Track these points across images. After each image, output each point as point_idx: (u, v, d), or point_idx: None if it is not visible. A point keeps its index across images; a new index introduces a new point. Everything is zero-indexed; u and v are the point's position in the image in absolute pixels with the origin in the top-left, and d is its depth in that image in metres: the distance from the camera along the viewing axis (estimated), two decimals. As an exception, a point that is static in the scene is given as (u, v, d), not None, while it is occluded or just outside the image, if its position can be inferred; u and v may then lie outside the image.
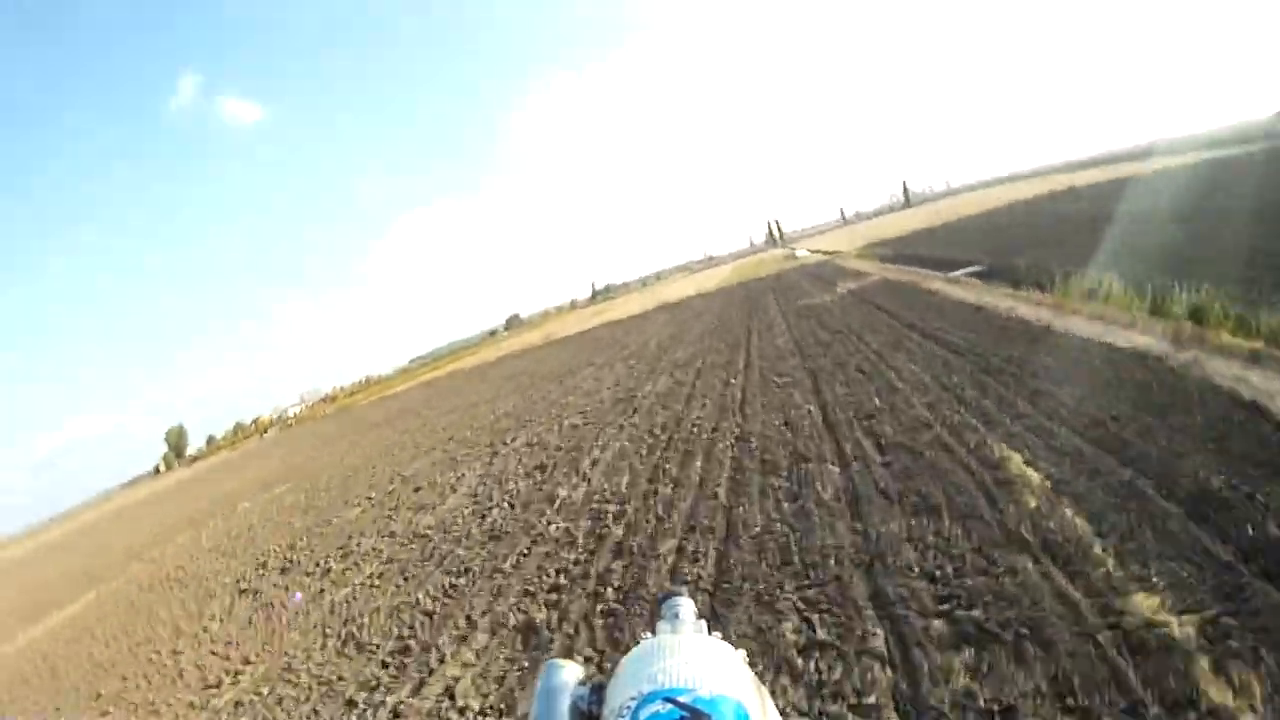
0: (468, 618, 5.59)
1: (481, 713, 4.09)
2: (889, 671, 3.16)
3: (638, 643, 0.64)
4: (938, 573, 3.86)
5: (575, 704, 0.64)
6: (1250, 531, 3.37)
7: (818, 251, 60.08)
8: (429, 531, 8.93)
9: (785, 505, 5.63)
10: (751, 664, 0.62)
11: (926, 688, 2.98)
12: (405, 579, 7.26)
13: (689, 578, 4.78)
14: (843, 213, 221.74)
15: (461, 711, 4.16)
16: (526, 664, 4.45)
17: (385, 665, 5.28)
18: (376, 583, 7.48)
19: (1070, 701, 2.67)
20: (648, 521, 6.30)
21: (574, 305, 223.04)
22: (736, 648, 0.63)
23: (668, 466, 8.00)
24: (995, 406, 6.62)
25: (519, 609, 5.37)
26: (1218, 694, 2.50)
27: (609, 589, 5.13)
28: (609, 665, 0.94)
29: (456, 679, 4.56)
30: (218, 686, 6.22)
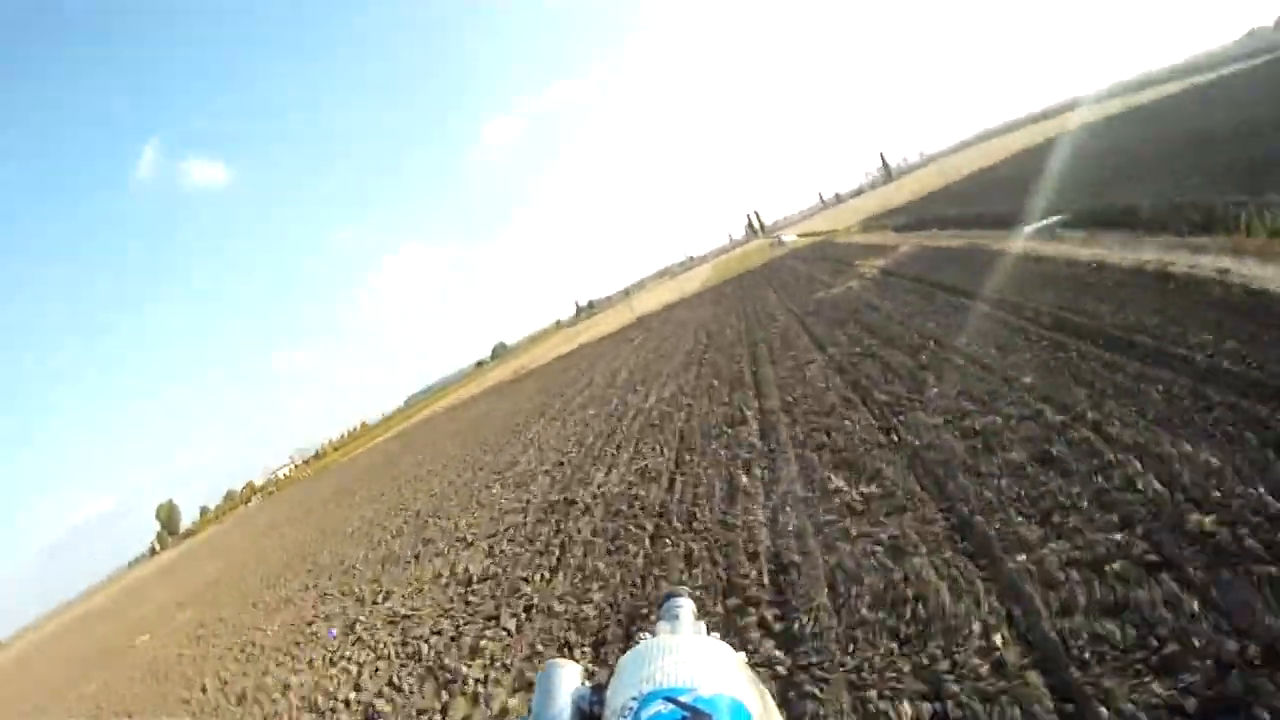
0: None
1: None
2: None
3: (637, 643, 0.62)
4: None
5: (576, 704, 0.61)
6: None
7: (807, 235, 54.09)
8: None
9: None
10: (751, 664, 0.59)
11: None
12: None
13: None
14: (821, 196, 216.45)
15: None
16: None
17: None
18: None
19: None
20: None
21: (559, 325, 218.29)
22: (737, 649, 0.62)
23: None
24: None
25: None
26: None
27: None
28: (609, 665, 0.85)
29: None
30: None
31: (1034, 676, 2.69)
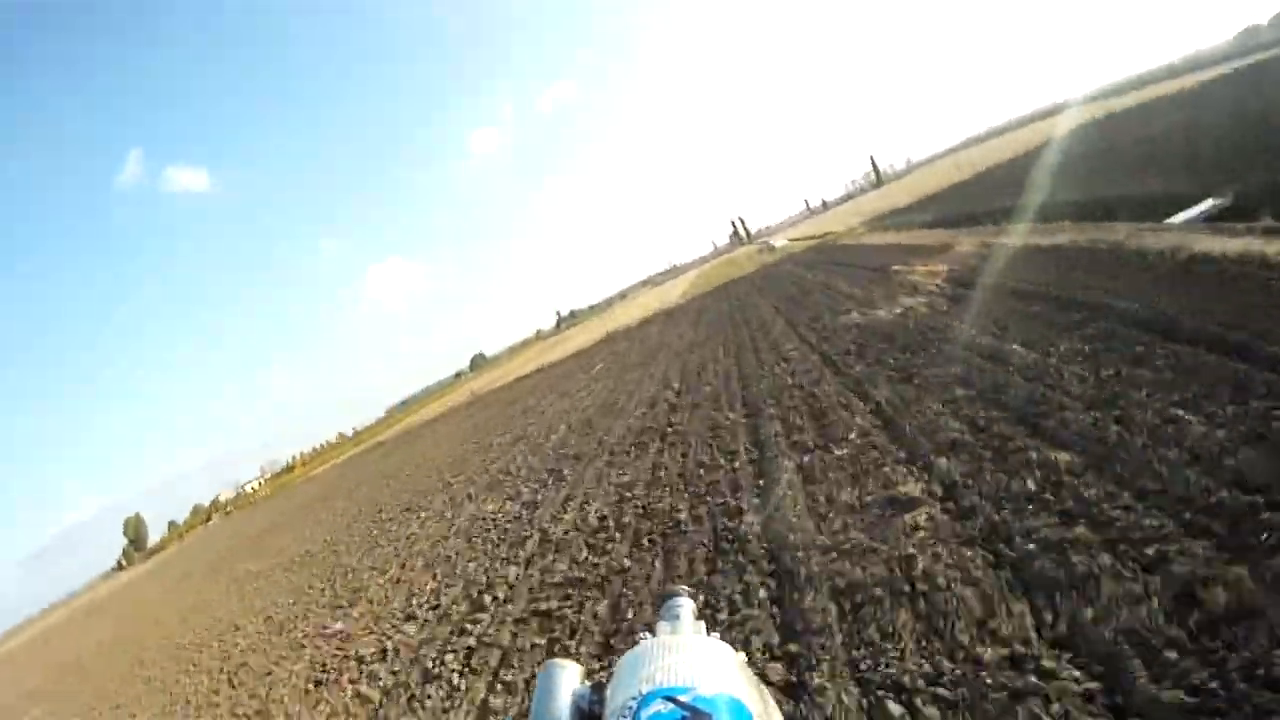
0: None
1: None
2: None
3: (637, 643, 0.62)
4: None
5: (576, 704, 0.62)
6: None
7: (801, 240, 48.24)
8: None
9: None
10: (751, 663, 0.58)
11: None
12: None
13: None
14: (807, 203, 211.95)
15: None
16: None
17: None
18: None
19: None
20: None
21: (539, 335, 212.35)
22: (737, 649, 0.62)
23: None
24: None
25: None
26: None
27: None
28: (610, 665, 0.81)
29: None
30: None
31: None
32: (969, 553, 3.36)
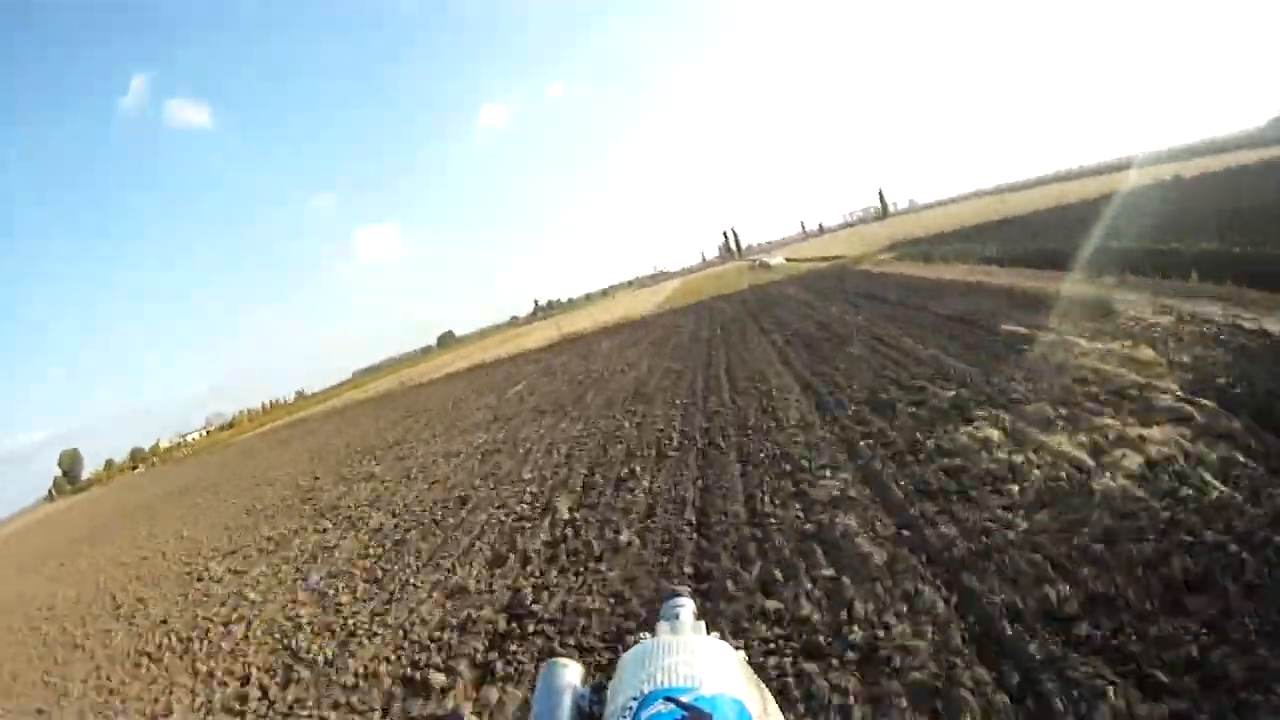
0: None
1: None
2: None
3: (637, 643, 0.62)
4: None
5: (576, 704, 0.61)
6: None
7: (801, 260, 42.37)
8: None
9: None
10: (751, 663, 0.60)
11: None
12: None
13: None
14: (803, 225, 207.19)
15: None
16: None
17: None
18: None
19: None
20: None
21: (514, 321, 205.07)
22: (736, 649, 0.61)
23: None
24: None
25: None
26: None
27: None
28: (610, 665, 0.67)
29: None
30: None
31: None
32: None
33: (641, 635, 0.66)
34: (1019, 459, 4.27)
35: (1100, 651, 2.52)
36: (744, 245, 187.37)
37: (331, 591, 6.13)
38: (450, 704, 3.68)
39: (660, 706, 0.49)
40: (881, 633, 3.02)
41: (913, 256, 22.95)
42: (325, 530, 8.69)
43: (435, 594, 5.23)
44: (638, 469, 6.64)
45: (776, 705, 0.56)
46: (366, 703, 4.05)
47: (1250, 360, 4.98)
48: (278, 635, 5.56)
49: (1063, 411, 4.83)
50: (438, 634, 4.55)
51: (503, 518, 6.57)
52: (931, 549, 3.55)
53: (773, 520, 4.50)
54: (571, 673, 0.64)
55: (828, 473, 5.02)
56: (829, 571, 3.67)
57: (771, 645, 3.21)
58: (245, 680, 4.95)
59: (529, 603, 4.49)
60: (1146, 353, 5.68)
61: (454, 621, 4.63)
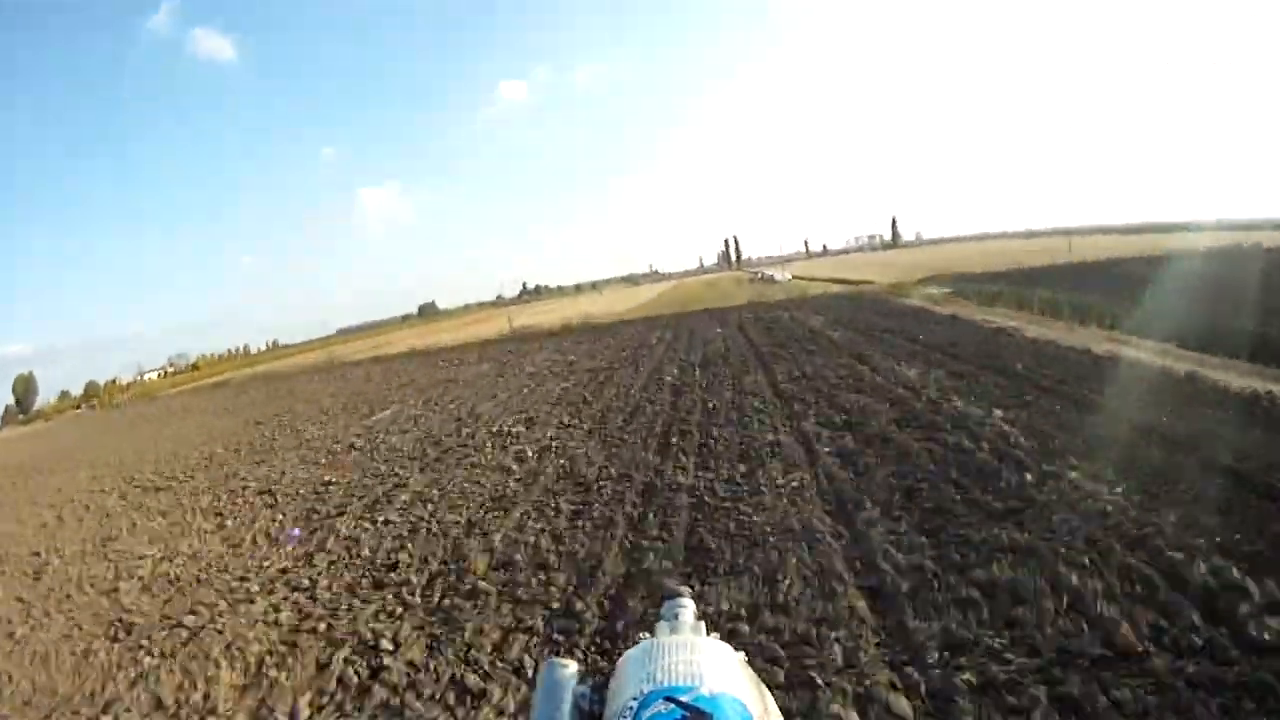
0: None
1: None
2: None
3: (637, 643, 0.62)
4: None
5: (576, 703, 0.61)
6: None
7: (811, 279, 36.25)
8: None
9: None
10: (751, 664, 0.60)
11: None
12: None
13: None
14: (807, 244, 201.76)
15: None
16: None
17: None
18: None
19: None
20: None
21: (498, 300, 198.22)
22: (736, 649, 0.62)
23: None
24: None
25: None
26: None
27: None
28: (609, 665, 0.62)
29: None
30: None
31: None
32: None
33: (642, 635, 0.65)
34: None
35: None
36: (744, 257, 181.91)
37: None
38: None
39: (660, 706, 0.48)
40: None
41: (970, 296, 16.91)
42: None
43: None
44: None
45: (776, 705, 0.55)
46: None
47: None
48: None
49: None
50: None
51: None
52: None
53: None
54: (571, 672, 0.63)
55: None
56: None
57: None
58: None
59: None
60: None
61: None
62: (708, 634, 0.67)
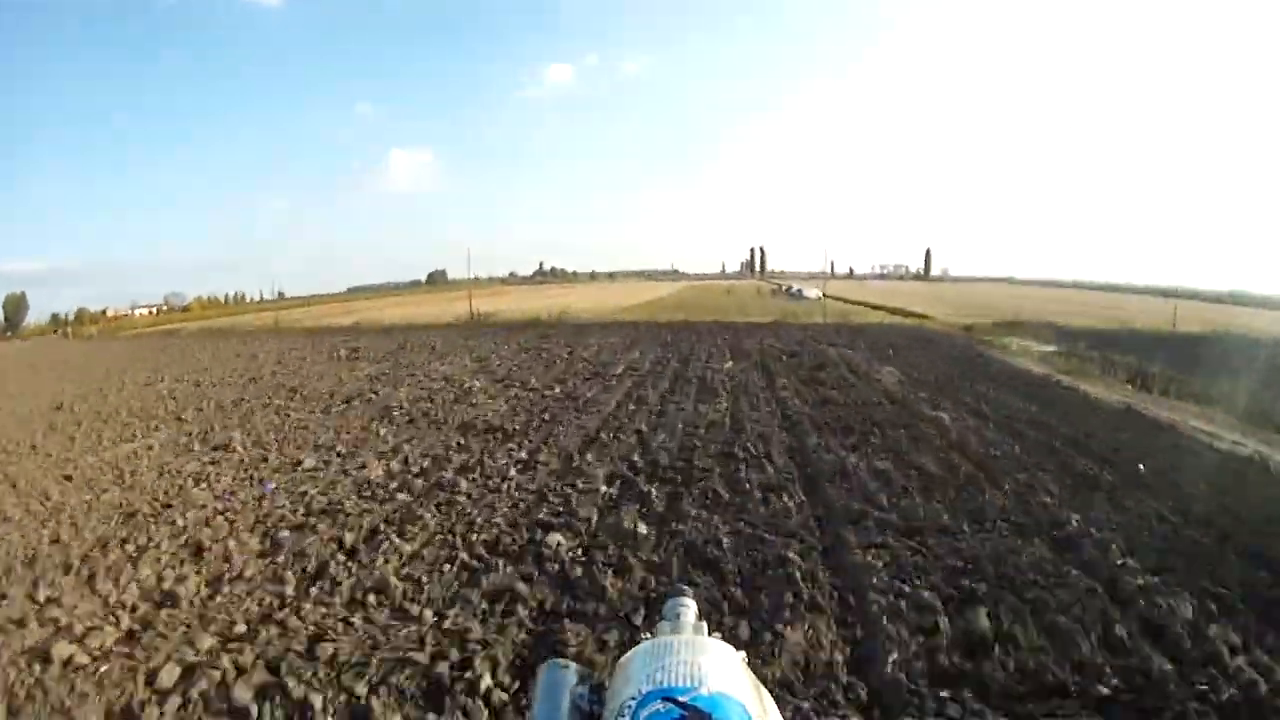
0: None
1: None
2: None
3: (638, 643, 0.61)
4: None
5: (575, 703, 0.61)
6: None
7: (851, 303, 30.57)
8: None
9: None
10: (751, 665, 0.60)
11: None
12: None
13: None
14: (833, 265, 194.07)
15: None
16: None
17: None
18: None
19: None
20: None
21: (510, 278, 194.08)
22: (737, 649, 0.62)
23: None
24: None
25: None
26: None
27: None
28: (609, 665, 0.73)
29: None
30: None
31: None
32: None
33: (643, 635, 0.65)
34: None
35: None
36: (768, 269, 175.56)
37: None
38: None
39: (659, 706, 0.48)
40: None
41: (1080, 357, 11.41)
42: None
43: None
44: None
45: (776, 706, 0.55)
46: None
47: None
48: None
49: None
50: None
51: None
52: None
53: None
54: (570, 672, 0.63)
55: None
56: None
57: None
58: None
59: None
60: None
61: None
62: (709, 634, 0.66)
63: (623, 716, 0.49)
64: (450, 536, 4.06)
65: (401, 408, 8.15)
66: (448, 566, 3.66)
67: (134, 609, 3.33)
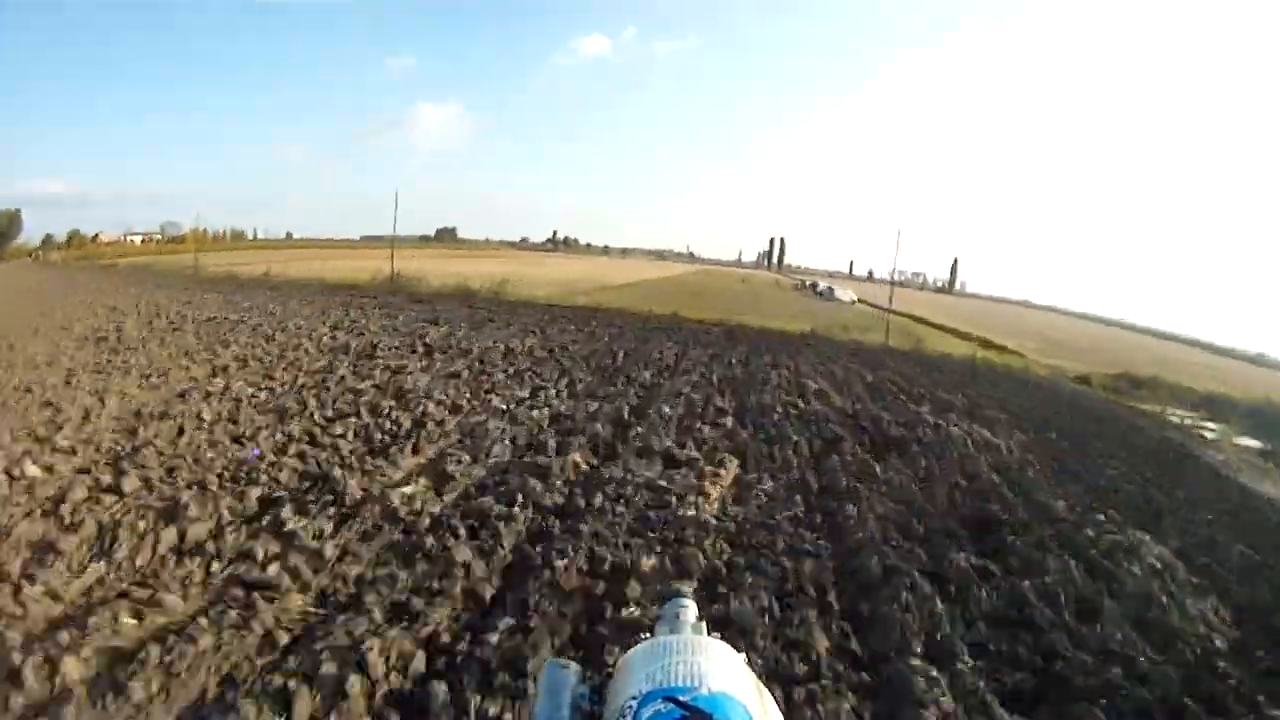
0: None
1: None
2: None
3: (639, 643, 0.61)
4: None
5: (576, 703, 0.61)
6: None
7: (892, 313, 24.33)
8: None
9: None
10: (751, 665, 0.58)
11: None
12: None
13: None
14: (852, 265, 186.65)
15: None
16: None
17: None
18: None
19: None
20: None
21: (522, 244, 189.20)
22: (738, 650, 0.60)
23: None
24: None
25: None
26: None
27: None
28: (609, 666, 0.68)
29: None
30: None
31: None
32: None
33: (643, 635, 0.65)
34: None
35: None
36: (785, 262, 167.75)
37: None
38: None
39: (660, 706, 0.47)
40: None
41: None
42: None
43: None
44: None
45: (775, 705, 0.54)
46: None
47: None
48: None
49: None
50: None
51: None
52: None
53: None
54: (571, 673, 0.63)
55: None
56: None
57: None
58: None
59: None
60: None
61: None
62: (709, 635, 0.65)
63: (624, 716, 0.48)
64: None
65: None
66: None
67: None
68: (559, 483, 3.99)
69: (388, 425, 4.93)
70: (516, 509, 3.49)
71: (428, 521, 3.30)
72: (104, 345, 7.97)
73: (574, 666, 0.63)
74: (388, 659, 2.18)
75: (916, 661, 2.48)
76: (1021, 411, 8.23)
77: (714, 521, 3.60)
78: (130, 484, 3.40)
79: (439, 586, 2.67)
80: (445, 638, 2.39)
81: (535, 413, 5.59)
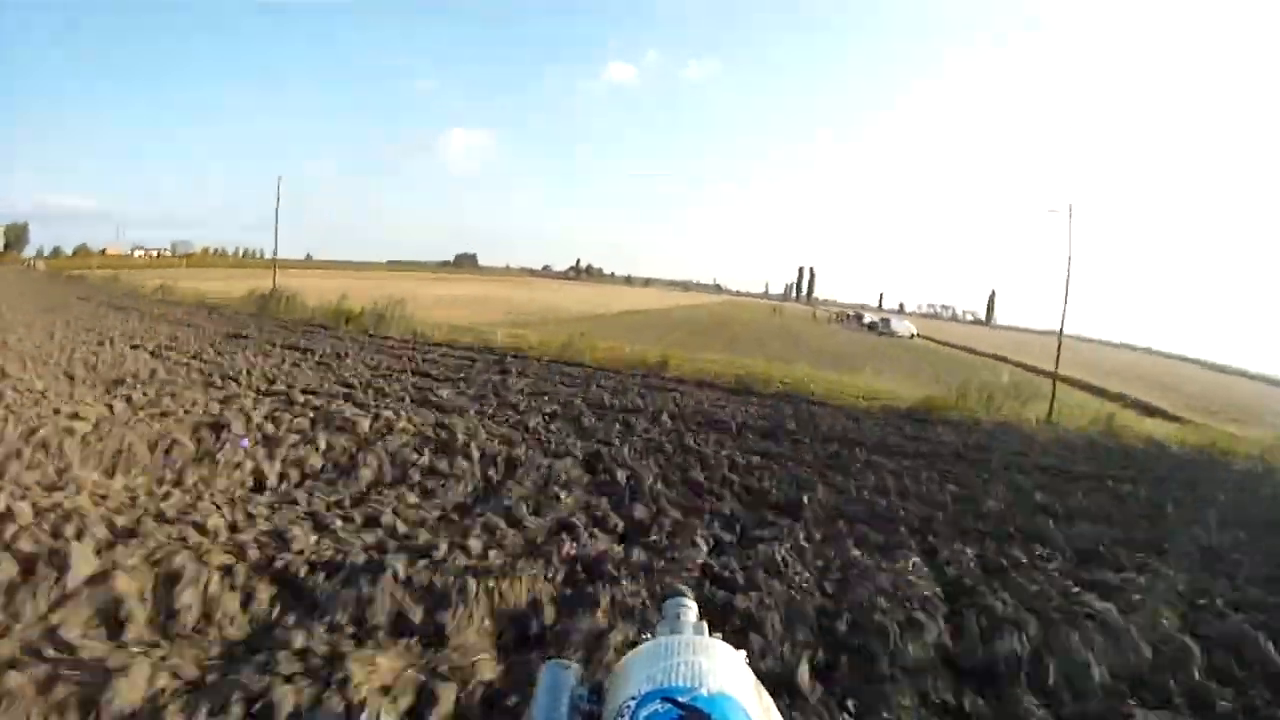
0: None
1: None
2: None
3: (638, 643, 0.61)
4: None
5: (575, 704, 0.61)
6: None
7: (971, 352, 19.24)
8: None
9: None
10: (751, 665, 0.59)
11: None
12: None
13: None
14: (882, 297, 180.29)
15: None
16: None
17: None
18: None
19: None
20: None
21: (543, 271, 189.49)
22: (737, 649, 0.60)
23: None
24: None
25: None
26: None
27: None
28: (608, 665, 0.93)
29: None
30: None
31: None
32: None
33: (643, 635, 0.65)
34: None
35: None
36: (814, 294, 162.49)
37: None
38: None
39: (659, 706, 0.47)
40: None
41: None
42: None
43: None
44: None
45: (775, 706, 0.54)
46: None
47: None
48: None
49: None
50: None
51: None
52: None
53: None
54: (570, 673, 0.63)
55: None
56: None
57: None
58: None
59: None
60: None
61: None
62: (709, 635, 0.65)
63: (622, 717, 0.47)
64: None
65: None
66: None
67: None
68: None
69: None
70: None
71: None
72: None
73: (574, 666, 0.62)
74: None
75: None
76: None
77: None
78: None
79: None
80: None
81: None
